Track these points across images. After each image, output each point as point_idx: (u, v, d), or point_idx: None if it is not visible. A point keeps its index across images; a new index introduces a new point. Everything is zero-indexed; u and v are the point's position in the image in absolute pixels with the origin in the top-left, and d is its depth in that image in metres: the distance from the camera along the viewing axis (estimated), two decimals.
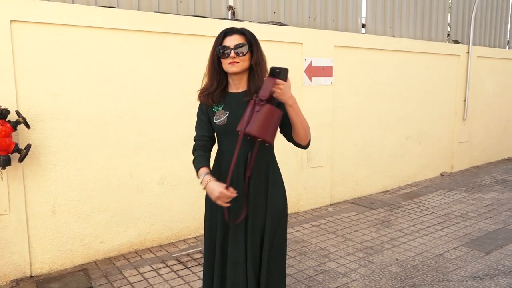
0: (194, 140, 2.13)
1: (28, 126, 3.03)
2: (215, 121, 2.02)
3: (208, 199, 2.12)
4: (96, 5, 3.52)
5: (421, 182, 6.17)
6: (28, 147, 3.02)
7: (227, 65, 1.94)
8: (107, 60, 3.43)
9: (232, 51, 1.91)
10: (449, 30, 6.71)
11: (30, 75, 3.13)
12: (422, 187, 5.93)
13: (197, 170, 2.04)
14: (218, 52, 1.95)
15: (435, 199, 5.35)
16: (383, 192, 5.69)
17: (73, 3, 3.42)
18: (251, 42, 1.95)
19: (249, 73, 2.00)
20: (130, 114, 3.59)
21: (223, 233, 2.05)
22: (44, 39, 3.16)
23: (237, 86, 2.02)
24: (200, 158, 2.06)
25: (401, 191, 5.74)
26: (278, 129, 1.97)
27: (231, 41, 1.93)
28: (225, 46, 1.93)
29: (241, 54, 1.91)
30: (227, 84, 2.05)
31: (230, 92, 2.04)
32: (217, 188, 1.90)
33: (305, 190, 4.85)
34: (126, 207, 3.64)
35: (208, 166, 2.04)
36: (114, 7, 3.56)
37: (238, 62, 1.92)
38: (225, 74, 2.02)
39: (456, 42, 6.73)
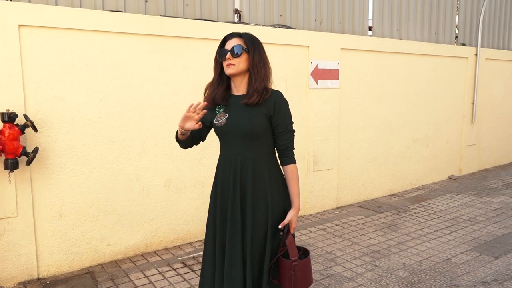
0: None
1: (35, 129, 3.05)
2: (215, 122, 2.06)
3: (211, 201, 2.13)
4: (103, 9, 3.55)
5: (429, 186, 6.12)
6: (36, 150, 3.05)
7: (225, 67, 1.99)
8: (113, 63, 3.46)
9: (229, 53, 1.96)
10: (457, 32, 6.65)
11: (37, 79, 3.16)
12: (429, 190, 5.88)
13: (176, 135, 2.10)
14: (218, 55, 2.02)
15: (443, 202, 5.30)
16: (390, 195, 5.65)
17: (80, 7, 3.45)
18: (248, 44, 1.98)
19: (249, 76, 2.02)
20: (136, 117, 3.60)
21: (223, 235, 2.05)
22: (51, 43, 3.19)
23: (238, 88, 2.05)
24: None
25: (408, 194, 5.70)
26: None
27: (230, 44, 1.99)
28: (223, 49, 2.00)
29: (235, 55, 1.95)
30: (229, 86, 2.08)
31: (232, 95, 2.07)
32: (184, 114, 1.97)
33: (311, 193, 4.83)
34: (132, 210, 3.66)
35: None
36: (121, 11, 3.58)
37: (234, 64, 1.96)
38: (227, 77, 2.05)
39: (464, 44, 6.67)
